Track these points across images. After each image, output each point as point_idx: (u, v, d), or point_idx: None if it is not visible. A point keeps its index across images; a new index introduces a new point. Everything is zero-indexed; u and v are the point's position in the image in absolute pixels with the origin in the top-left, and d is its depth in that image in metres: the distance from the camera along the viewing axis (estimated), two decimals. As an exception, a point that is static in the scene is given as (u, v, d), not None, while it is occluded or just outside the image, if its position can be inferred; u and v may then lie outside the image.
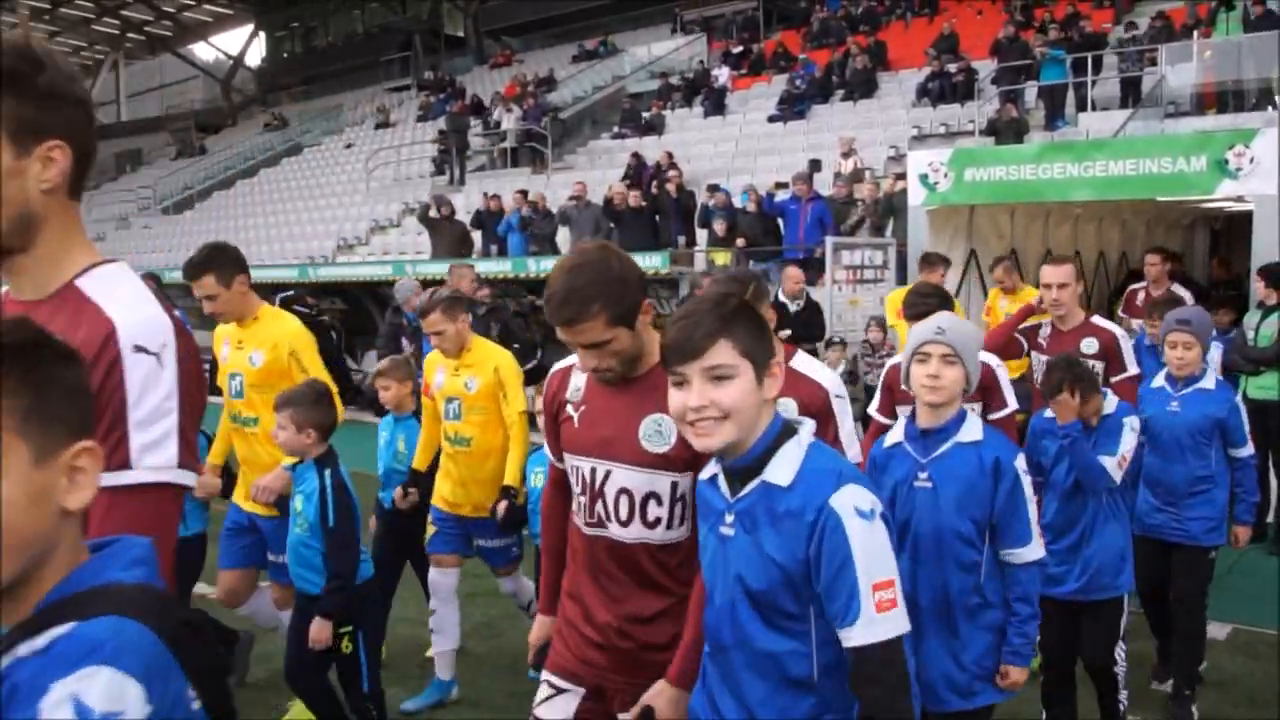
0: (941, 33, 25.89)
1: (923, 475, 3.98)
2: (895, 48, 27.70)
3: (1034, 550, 3.93)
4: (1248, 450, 6.04)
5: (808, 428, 2.75)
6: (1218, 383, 6.12)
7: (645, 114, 28.92)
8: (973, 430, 3.98)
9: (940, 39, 25.50)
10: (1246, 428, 6.03)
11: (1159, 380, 6.20)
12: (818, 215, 16.00)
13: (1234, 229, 15.31)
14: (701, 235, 18.21)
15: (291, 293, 19.21)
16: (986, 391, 5.57)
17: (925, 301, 5.73)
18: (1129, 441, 5.17)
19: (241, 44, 58.42)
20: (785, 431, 2.71)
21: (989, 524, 3.92)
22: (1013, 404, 5.70)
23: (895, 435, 4.17)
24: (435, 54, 47.86)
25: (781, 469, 2.64)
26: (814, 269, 14.31)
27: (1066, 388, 5.15)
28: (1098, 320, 6.63)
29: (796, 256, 15.53)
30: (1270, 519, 9.38)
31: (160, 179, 42.32)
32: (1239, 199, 10.20)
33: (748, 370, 2.60)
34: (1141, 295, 10.06)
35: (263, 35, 58.40)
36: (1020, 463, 3.93)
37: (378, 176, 31.76)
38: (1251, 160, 9.32)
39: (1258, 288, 9.39)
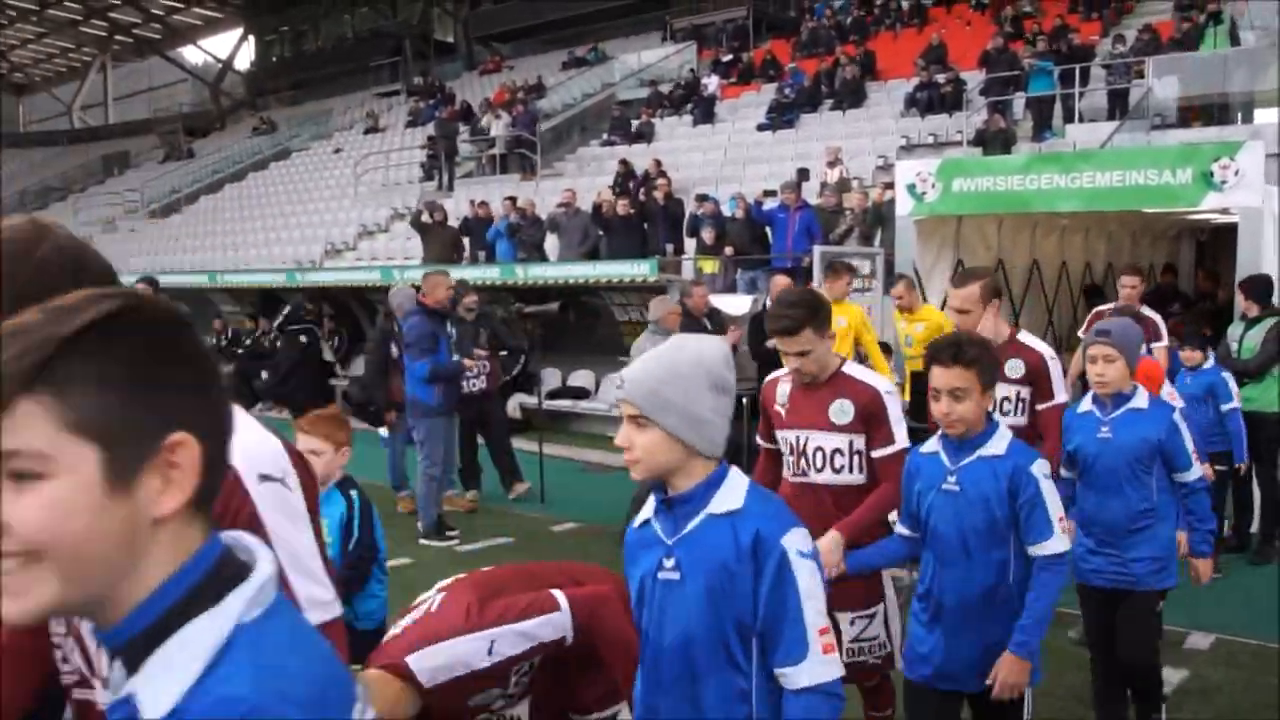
0: (930, 43, 25.95)
1: (668, 563, 2.87)
2: (884, 58, 27.77)
3: (812, 669, 2.74)
4: (1195, 473, 5.25)
5: (257, 588, 1.34)
6: (1152, 401, 5.34)
7: (635, 122, 28.96)
8: (731, 495, 2.84)
9: (929, 49, 25.55)
10: (1190, 447, 5.24)
11: (1086, 404, 5.46)
12: (806, 224, 16.04)
13: (1219, 241, 15.37)
14: (690, 244, 18.24)
15: (288, 309, 19.15)
16: (871, 421, 4.76)
17: (788, 314, 4.72)
18: (1052, 496, 4.06)
19: (230, 47, 58.47)
20: (192, 599, 1.31)
21: (758, 630, 2.79)
22: (902, 440, 4.76)
23: (648, 510, 3.01)
24: (425, 59, 47.89)
25: (156, 696, 1.26)
26: (801, 278, 14.35)
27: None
28: (1025, 338, 6.04)
29: (784, 265, 15.58)
30: (1253, 529, 9.42)
31: (147, 182, 42.24)
32: (1224, 211, 10.24)
33: (84, 462, 1.26)
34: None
35: (252, 39, 58.36)
36: (795, 539, 2.77)
37: (366, 181, 31.75)
38: (1236, 173, 9.37)
39: (1239, 300, 9.46)
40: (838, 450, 4.82)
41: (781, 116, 25.72)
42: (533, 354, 15.10)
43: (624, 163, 23.50)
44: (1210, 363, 8.68)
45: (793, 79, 27.36)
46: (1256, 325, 9.18)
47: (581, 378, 17.67)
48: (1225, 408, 8.43)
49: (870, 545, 4.58)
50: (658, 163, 22.26)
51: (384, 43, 48.89)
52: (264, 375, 20.75)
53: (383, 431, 12.35)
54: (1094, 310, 10.40)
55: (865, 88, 26.07)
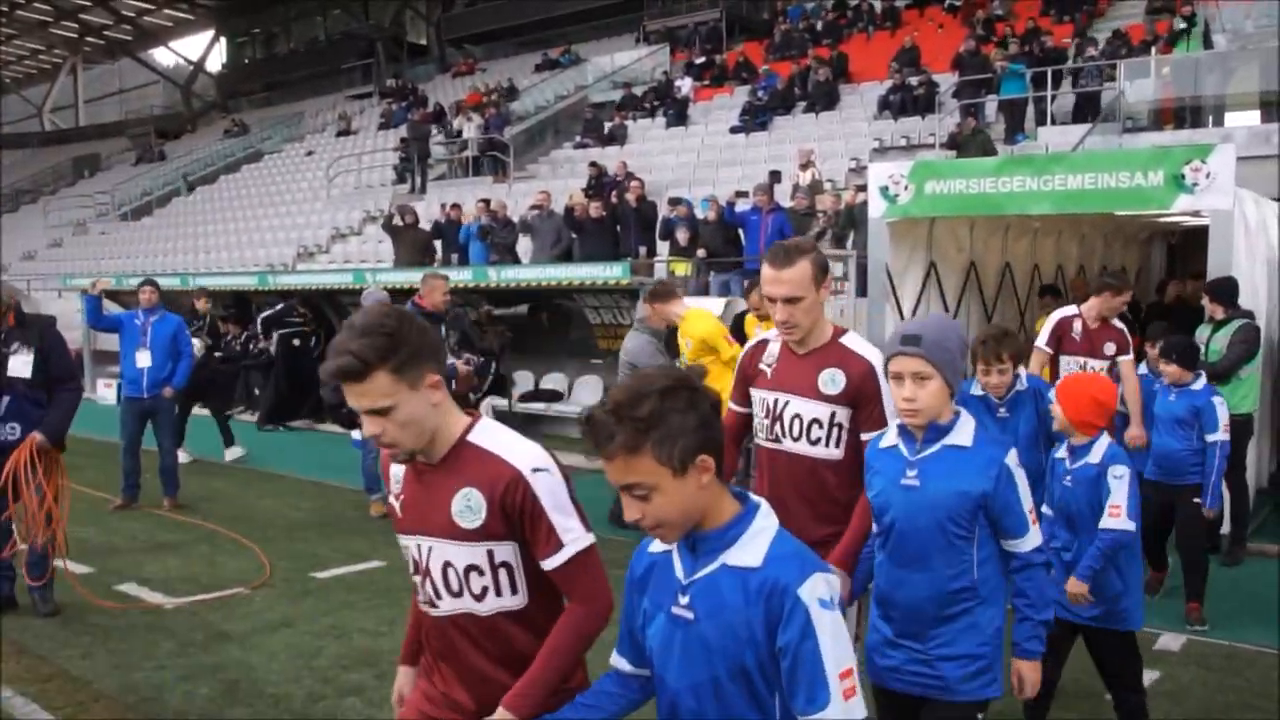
0: (903, 46, 26.05)
1: None
2: (857, 60, 27.84)
3: None
4: (1032, 542, 3.78)
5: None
6: (980, 438, 3.80)
7: (607, 124, 28.95)
8: None
9: (901, 52, 25.65)
10: (1027, 505, 3.75)
11: (890, 437, 3.94)
12: (778, 226, 16.03)
13: (1189, 244, 15.42)
14: (662, 246, 18.22)
15: (281, 306, 19.07)
16: (518, 519, 2.97)
17: (352, 349, 2.85)
18: (834, 640, 2.45)
19: (202, 49, 58.21)
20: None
21: None
22: (576, 540, 3.01)
23: None
24: (398, 61, 47.84)
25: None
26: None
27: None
28: (851, 342, 4.46)
29: (757, 268, 15.56)
30: (1224, 531, 9.45)
31: (118, 185, 42.06)
32: (1195, 214, 10.25)
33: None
34: (1078, 326, 8.80)
35: (224, 41, 58.21)
36: None
37: (339, 184, 31.69)
38: (1208, 175, 9.38)
39: (1206, 302, 9.48)
40: (473, 567, 3.01)
41: (754, 119, 25.76)
42: (503, 357, 15.04)
43: (593, 164, 23.49)
44: (1201, 382, 7.71)
45: (766, 81, 27.41)
46: (1223, 328, 9.19)
47: (554, 380, 17.65)
48: (1210, 439, 7.51)
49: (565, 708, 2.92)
50: (624, 165, 22.30)
51: (356, 45, 48.79)
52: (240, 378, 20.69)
53: (355, 434, 12.29)
54: (1059, 319, 8.94)
55: (838, 90, 26.12)
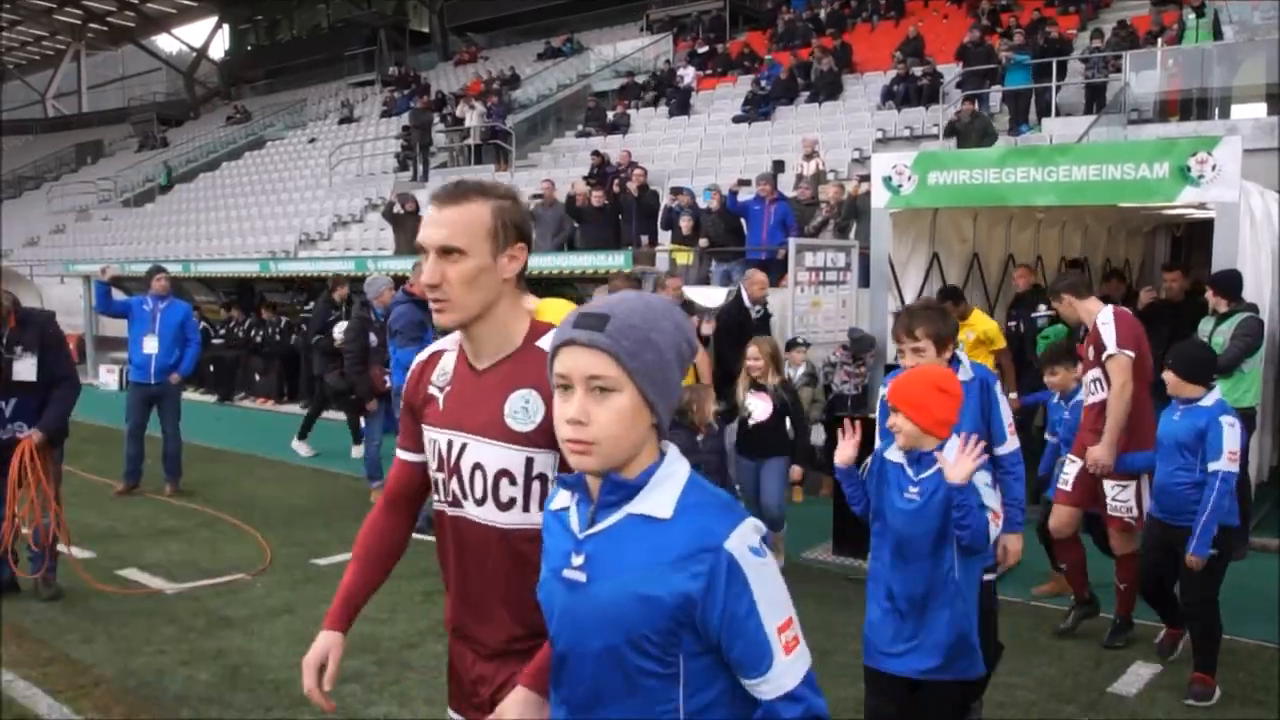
0: (907, 36, 25.98)
1: None
2: (861, 50, 27.79)
3: None
4: (781, 681, 2.06)
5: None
6: (690, 503, 2.11)
7: (610, 113, 28.91)
8: None
9: (906, 42, 25.59)
10: (772, 622, 2.05)
11: (561, 497, 2.33)
12: (781, 216, 16.00)
13: (1195, 237, 15.38)
14: (664, 236, 18.19)
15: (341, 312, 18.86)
16: None
17: None
18: None
19: (205, 36, 58.19)
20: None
21: None
22: None
23: None
24: (400, 49, 47.81)
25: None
26: (776, 270, 14.31)
27: None
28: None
29: (759, 257, 15.54)
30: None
31: (121, 171, 42.07)
32: (1201, 206, 10.21)
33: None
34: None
35: (226, 28, 58.21)
36: None
37: (341, 171, 31.71)
38: (1214, 167, 9.33)
39: (1209, 296, 9.44)
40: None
41: (757, 109, 25.72)
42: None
43: (596, 153, 23.47)
44: (1212, 398, 6.25)
45: (769, 71, 27.36)
46: (1226, 321, 9.15)
47: (555, 369, 17.61)
48: (1211, 466, 6.01)
49: None
50: (627, 154, 22.26)
51: (358, 32, 48.77)
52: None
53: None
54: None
55: (842, 80, 26.07)
